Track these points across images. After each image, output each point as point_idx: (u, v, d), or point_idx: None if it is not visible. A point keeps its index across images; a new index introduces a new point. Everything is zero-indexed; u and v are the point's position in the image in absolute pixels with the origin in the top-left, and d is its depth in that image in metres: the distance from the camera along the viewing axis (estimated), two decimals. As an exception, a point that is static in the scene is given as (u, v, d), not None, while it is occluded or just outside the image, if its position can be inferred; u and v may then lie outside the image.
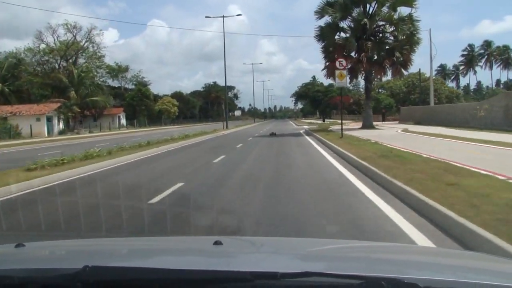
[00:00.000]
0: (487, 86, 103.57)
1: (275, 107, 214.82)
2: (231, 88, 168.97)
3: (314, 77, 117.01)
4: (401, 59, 27.99)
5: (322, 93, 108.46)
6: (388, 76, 30.59)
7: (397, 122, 41.98)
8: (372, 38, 27.93)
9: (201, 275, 1.28)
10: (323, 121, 50.56)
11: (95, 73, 71.65)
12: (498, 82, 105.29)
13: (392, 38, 28.83)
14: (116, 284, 1.24)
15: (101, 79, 77.38)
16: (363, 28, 27.53)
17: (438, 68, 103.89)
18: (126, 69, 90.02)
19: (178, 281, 1.25)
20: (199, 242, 2.36)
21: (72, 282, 1.21)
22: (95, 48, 64.37)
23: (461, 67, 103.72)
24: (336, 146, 14.68)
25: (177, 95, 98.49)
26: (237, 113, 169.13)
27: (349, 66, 25.74)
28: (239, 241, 2.48)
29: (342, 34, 29.18)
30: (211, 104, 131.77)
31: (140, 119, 71.18)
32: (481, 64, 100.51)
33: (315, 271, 1.20)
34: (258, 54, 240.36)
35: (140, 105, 70.83)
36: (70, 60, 63.39)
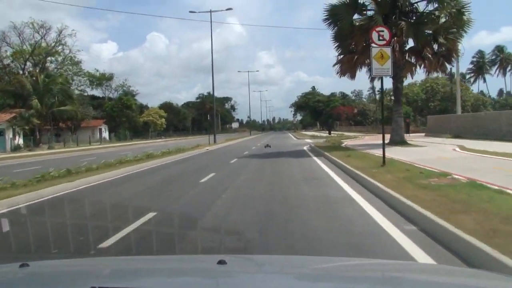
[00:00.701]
0: (489, 96, 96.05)
1: (273, 119, 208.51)
2: (228, 99, 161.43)
3: (313, 88, 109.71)
4: (444, 48, 20.09)
5: (323, 103, 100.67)
6: (420, 74, 22.41)
7: (423, 134, 33.88)
8: (404, 18, 20.00)
9: None
10: (329, 133, 42.45)
11: (71, 81, 63.96)
12: (501, 91, 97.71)
13: (426, 20, 20.87)
14: None
15: (79, 88, 69.76)
16: (392, 4, 19.66)
17: (447, 77, 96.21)
18: (111, 77, 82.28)
19: None
20: (203, 261, 2.32)
21: None
22: (68, 51, 56.38)
23: (468, 76, 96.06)
24: (402, 198, 6.40)
25: (166, 106, 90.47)
26: (235, 125, 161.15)
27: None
28: (244, 260, 2.35)
29: (359, 17, 21.25)
30: (205, 115, 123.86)
31: (120, 132, 63.02)
32: (492, 72, 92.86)
33: None
34: (257, 66, 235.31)
35: (121, 117, 62.69)
36: (40, 66, 55.66)
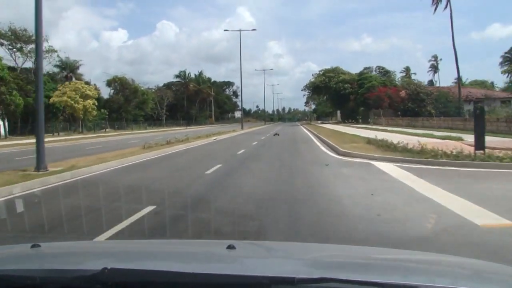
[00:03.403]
0: None
1: (283, 108, 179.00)
2: (230, 84, 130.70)
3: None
4: None
5: (350, 85, 69.53)
6: None
7: None
8: None
9: (217, 279, 1.27)
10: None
11: None
12: None
13: None
14: (134, 286, 1.23)
15: None
16: None
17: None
18: (28, 37, 51.44)
19: (194, 285, 1.23)
20: (213, 246, 2.38)
21: (91, 283, 1.20)
22: None
23: None
24: None
25: (115, 81, 59.70)
26: (238, 114, 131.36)
27: None
28: (252, 245, 2.38)
29: None
30: (189, 100, 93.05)
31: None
32: None
33: (332, 277, 1.20)
34: (267, 56, 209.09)
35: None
36: None
